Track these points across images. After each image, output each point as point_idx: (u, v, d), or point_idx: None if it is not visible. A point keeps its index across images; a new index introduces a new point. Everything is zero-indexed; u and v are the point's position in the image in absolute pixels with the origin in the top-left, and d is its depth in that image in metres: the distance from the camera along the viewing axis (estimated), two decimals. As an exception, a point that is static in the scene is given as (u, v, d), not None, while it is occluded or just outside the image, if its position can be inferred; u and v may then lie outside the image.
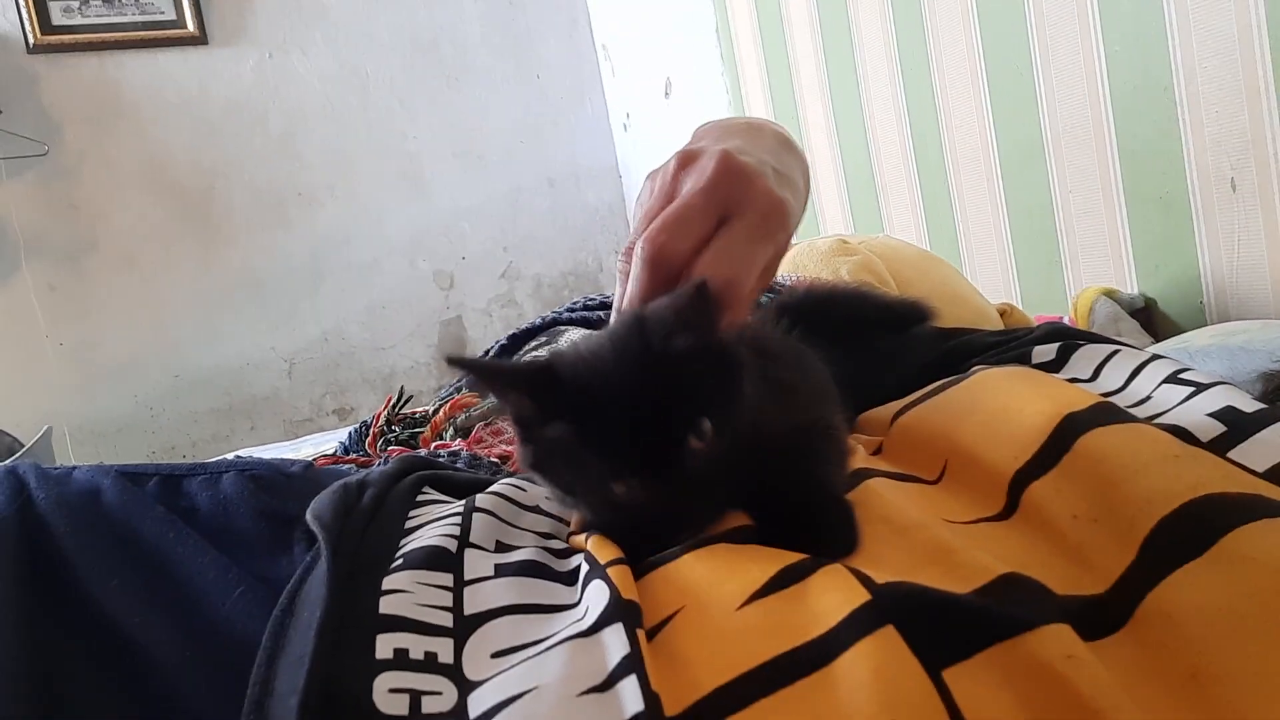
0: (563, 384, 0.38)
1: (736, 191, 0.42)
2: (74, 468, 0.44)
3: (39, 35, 2.34)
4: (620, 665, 0.31)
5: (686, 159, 0.44)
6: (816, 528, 0.38)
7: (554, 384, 0.38)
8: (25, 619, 0.37)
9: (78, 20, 2.38)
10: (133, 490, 0.43)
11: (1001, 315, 1.19)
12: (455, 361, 0.41)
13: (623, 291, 0.42)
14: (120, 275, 2.46)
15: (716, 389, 0.39)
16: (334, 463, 0.64)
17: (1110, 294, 1.27)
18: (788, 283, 1.02)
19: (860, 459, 0.45)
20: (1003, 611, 0.30)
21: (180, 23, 2.48)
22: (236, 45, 2.58)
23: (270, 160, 2.62)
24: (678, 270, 0.40)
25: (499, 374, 0.42)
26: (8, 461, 0.46)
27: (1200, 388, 0.44)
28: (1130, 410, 0.43)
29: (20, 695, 0.35)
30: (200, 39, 2.52)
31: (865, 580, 0.32)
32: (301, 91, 2.66)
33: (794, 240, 1.45)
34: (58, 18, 2.36)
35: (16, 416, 2.14)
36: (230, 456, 0.72)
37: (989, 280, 1.61)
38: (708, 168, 0.42)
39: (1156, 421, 0.42)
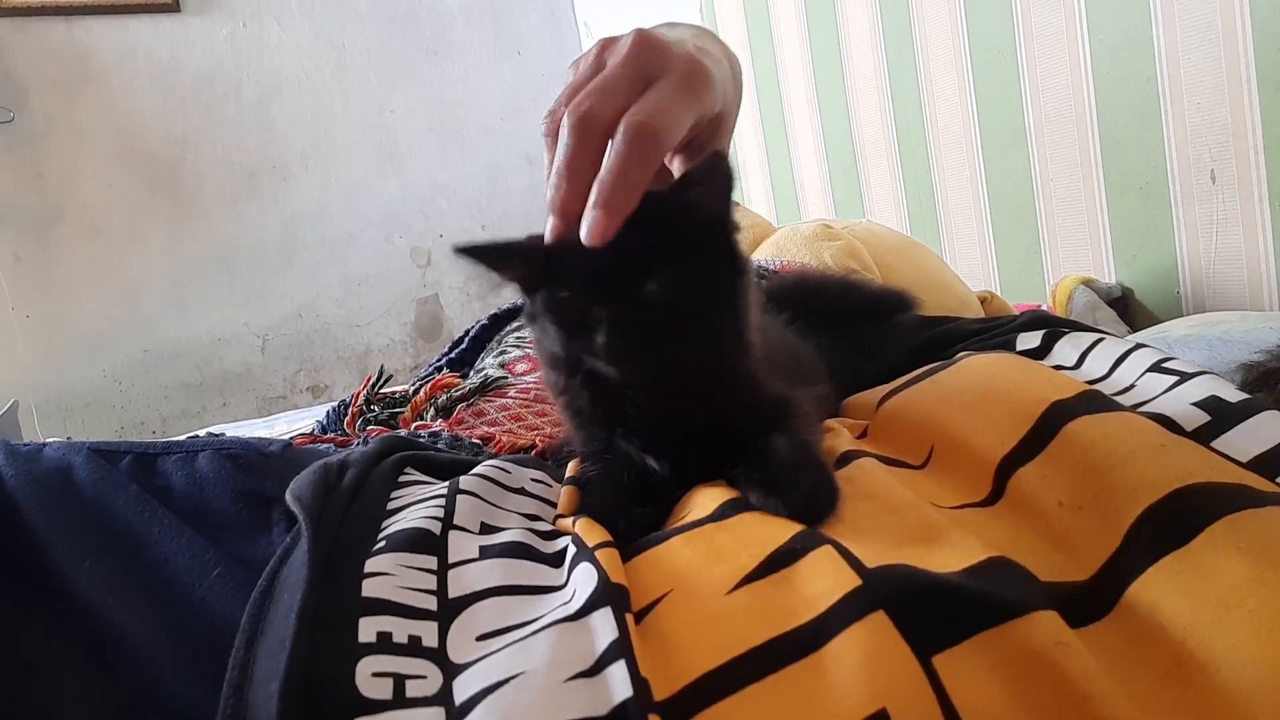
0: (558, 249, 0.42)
1: (656, 59, 0.44)
2: (44, 444, 0.43)
3: (4, -2, 2.27)
4: (609, 650, 0.30)
5: (606, 43, 0.46)
6: (796, 489, 0.38)
7: (551, 252, 0.42)
8: None
9: (45, -17, 2.32)
10: (105, 468, 0.42)
11: (982, 303, 1.20)
12: (463, 250, 0.44)
13: (551, 158, 0.43)
14: (88, 246, 2.41)
15: (691, 244, 0.41)
16: (312, 442, 0.63)
17: (1088, 283, 1.29)
18: (773, 268, 1.02)
19: (846, 442, 0.44)
20: (993, 596, 0.30)
21: (151, -12, 2.42)
22: (209, 13, 2.52)
23: (243, 131, 2.57)
24: (604, 133, 0.41)
25: (504, 250, 0.45)
26: (-27, 437, 0.44)
27: (1184, 377, 0.44)
28: (1115, 398, 0.43)
29: None
30: (172, 6, 2.46)
31: (855, 564, 0.32)
32: (276, 62, 2.60)
33: (777, 225, 1.43)
34: (24, -21, 2.29)
35: (-20, 389, 2.10)
36: (203, 434, 0.71)
37: (969, 267, 1.62)
38: (626, 43, 0.44)
39: (1141, 410, 0.42)
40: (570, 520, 0.41)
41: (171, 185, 2.50)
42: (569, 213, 0.41)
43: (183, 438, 0.48)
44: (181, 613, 0.38)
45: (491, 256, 0.45)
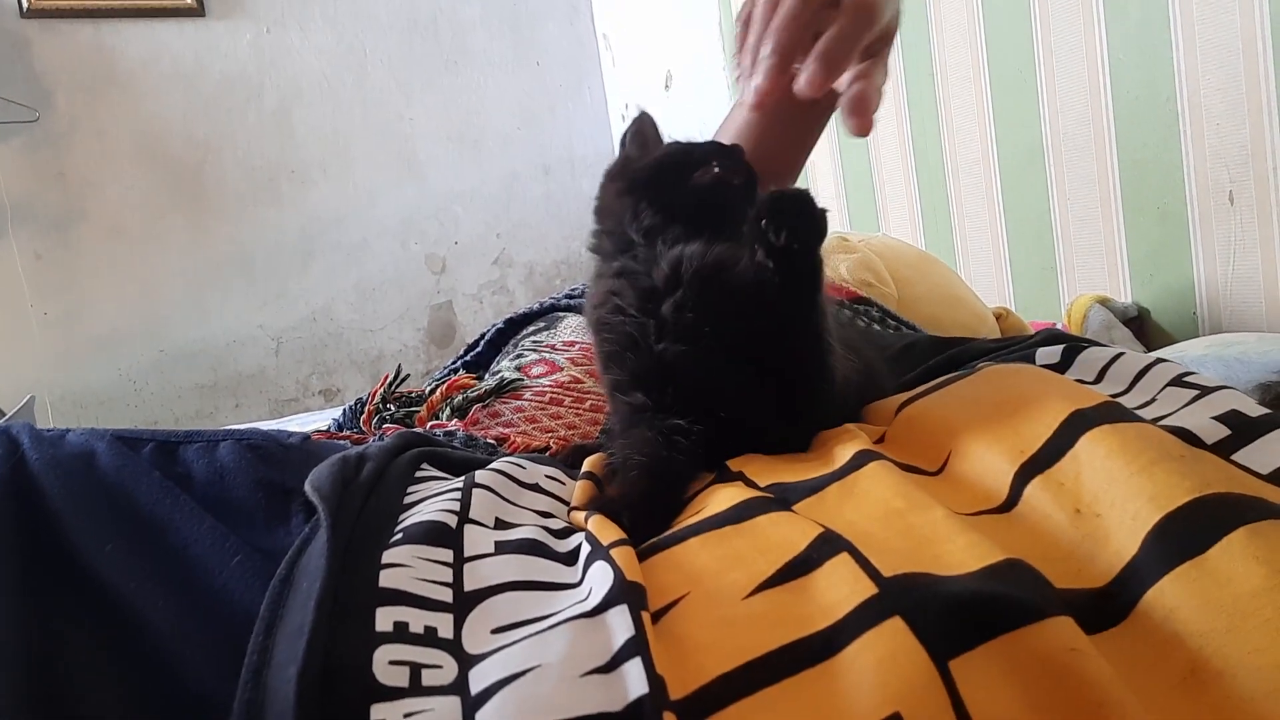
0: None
1: None
2: (68, 430, 0.44)
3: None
4: (625, 647, 0.31)
5: None
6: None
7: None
8: (21, 582, 0.36)
9: (73, -15, 2.35)
10: (128, 455, 0.42)
11: (997, 319, 1.19)
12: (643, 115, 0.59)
13: (750, 33, 0.54)
14: (108, 246, 2.43)
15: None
16: (329, 439, 0.63)
17: (1104, 302, 1.28)
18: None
19: (863, 443, 0.45)
20: (1009, 600, 0.30)
21: (178, -8, 2.46)
22: (234, 18, 2.55)
23: (264, 136, 2.60)
24: (822, 5, 0.52)
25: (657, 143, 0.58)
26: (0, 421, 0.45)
27: (1205, 391, 0.44)
28: (1136, 411, 0.43)
29: (17, 660, 0.34)
30: (198, 10, 2.49)
31: (872, 573, 0.32)
32: (298, 68, 2.63)
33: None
34: (53, -18, 2.33)
35: (-2, 385, 2.12)
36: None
37: (984, 285, 1.62)
38: None
39: (1161, 423, 0.42)
40: (583, 515, 0.41)
41: (192, 188, 2.52)
42: (787, 57, 0.50)
43: (206, 429, 0.49)
44: (201, 599, 0.38)
45: (651, 132, 0.58)
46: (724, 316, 0.48)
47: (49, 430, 0.43)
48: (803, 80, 0.50)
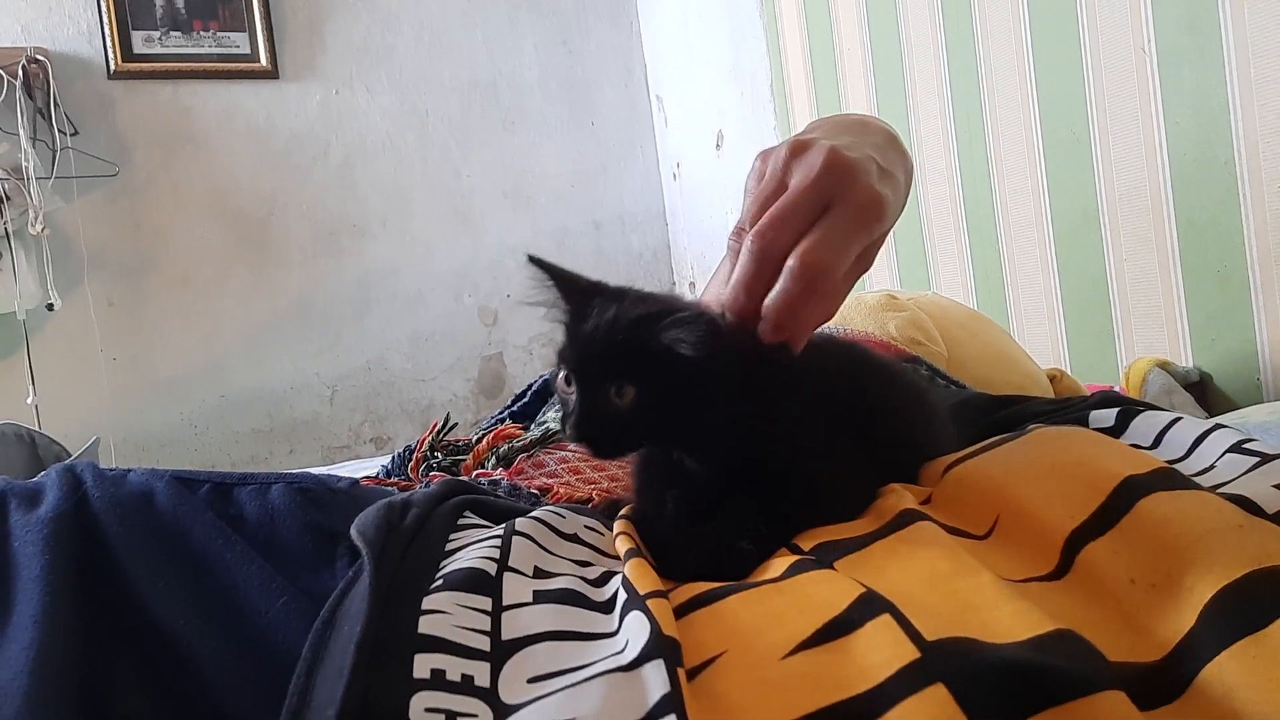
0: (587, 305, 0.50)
1: (840, 185, 0.46)
2: (129, 470, 0.45)
3: (120, 62, 2.44)
4: (660, 703, 0.30)
5: (798, 148, 0.48)
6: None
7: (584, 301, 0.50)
8: (77, 615, 0.37)
9: (157, 49, 2.49)
10: (185, 495, 0.44)
11: (1051, 380, 1.17)
12: (536, 261, 0.53)
13: (730, 270, 0.47)
14: (176, 295, 2.53)
15: (665, 378, 0.46)
16: (377, 484, 0.65)
17: (1165, 365, 1.25)
18: (836, 334, 1.02)
19: (908, 502, 0.44)
20: (1058, 672, 0.29)
21: (254, 57, 2.59)
22: (305, 80, 2.67)
23: (328, 191, 2.70)
24: (779, 261, 0.45)
25: (568, 281, 0.53)
26: (65, 462, 0.47)
27: (1265, 459, 0.43)
28: (1193, 478, 0.42)
29: (69, 689, 0.35)
30: (272, 73, 2.61)
31: (914, 636, 0.32)
32: (363, 127, 2.74)
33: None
34: (139, 46, 2.47)
35: (66, 426, 2.19)
36: (274, 473, 0.73)
37: (1038, 346, 1.59)
38: (816, 162, 0.46)
39: (1220, 491, 0.40)
40: (619, 544, 0.42)
41: (258, 240, 2.62)
42: (748, 319, 0.45)
43: (260, 471, 0.50)
44: (247, 638, 0.39)
45: (555, 275, 0.53)
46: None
47: (111, 469, 0.45)
48: (760, 329, 0.46)
